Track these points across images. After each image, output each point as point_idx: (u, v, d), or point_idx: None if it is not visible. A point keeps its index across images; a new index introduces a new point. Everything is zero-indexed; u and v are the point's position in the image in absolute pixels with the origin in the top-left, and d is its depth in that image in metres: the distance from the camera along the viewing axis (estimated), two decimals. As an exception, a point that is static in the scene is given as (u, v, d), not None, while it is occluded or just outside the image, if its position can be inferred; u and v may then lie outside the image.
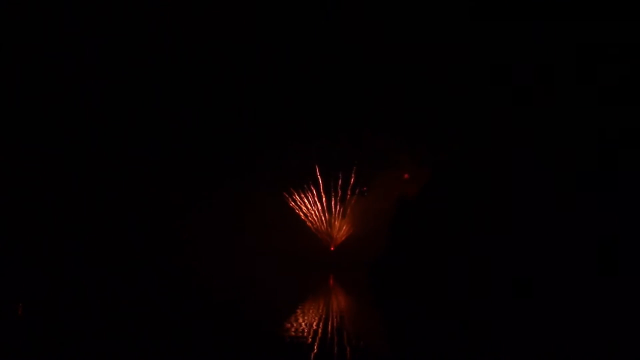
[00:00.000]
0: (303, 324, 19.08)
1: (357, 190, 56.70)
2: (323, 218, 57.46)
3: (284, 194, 57.27)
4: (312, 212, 57.43)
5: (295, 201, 57.38)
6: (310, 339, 15.50)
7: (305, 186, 57.04)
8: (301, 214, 57.65)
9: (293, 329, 17.40)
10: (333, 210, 57.15)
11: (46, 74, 44.73)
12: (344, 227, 57.35)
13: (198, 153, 52.37)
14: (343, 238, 57.31)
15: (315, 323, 19.35)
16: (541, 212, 36.60)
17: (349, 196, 56.78)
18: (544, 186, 36.98)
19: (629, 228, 33.18)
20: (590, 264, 33.27)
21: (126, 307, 24.04)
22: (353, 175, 56.54)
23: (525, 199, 37.45)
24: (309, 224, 57.62)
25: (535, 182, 37.58)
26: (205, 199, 52.86)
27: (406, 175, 52.89)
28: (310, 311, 24.31)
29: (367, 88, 51.06)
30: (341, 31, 48.21)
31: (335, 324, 19.36)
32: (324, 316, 21.98)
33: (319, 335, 16.42)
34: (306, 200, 57.28)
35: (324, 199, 56.94)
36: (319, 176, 56.81)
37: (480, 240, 37.05)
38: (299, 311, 23.39)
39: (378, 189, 54.61)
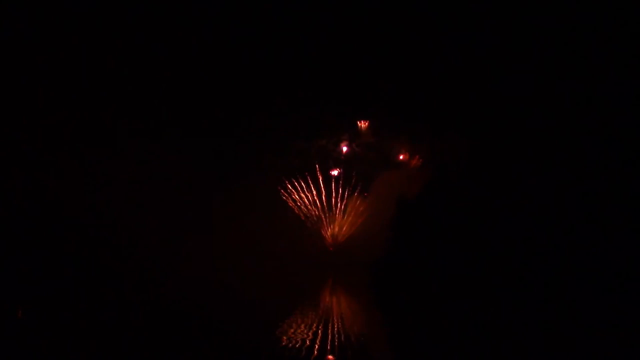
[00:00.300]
0: (302, 325, 19.05)
1: (357, 190, 56.63)
2: (323, 218, 57.44)
3: (283, 193, 57.21)
4: (312, 212, 57.40)
5: (294, 201, 57.32)
6: (309, 342, 15.46)
7: (304, 185, 56.99)
8: (301, 213, 57.59)
9: (292, 331, 17.37)
10: (333, 209, 57.10)
11: (44, 72, 44.58)
12: (344, 227, 57.27)
13: (197, 152, 52.15)
14: (343, 238, 57.22)
15: (314, 325, 19.32)
16: (541, 212, 36.49)
17: (348, 195, 56.70)
18: (545, 185, 36.90)
19: (628, 225, 33.07)
20: (591, 263, 33.16)
21: (125, 309, 24.05)
22: (354, 175, 56.46)
23: (526, 199, 37.36)
24: (308, 223, 57.55)
25: (535, 181, 37.50)
26: (204, 199, 52.66)
27: (417, 160, 53.03)
28: (310, 312, 24.29)
29: (369, 87, 50.93)
30: (342, 29, 48.12)
31: (335, 326, 19.33)
32: (324, 318, 21.95)
33: (319, 337, 16.38)
34: (306, 200, 57.22)
35: (324, 198, 56.91)
36: (319, 175, 56.73)
37: (481, 241, 36.95)
38: (297, 312, 23.37)
39: (379, 188, 54.52)
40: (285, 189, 57.07)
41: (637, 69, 34.71)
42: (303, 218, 57.68)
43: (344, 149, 56.59)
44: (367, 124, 55.90)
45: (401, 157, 55.39)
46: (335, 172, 55.66)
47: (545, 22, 39.35)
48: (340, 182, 56.37)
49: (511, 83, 41.28)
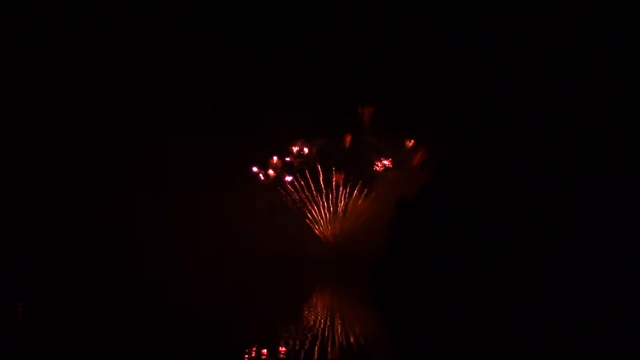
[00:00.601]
0: (301, 325, 19.07)
1: (357, 190, 56.60)
2: (323, 217, 57.41)
3: (283, 193, 57.17)
4: (313, 212, 57.37)
5: (295, 201, 57.27)
6: (308, 343, 15.47)
7: (305, 185, 56.95)
8: (300, 213, 57.53)
9: (292, 331, 17.38)
10: (332, 209, 57.08)
11: (44, 72, 44.54)
12: (345, 227, 57.23)
13: (197, 152, 52.11)
14: (343, 238, 57.18)
15: (314, 325, 19.35)
16: (541, 212, 36.49)
17: (347, 195, 56.69)
18: (544, 185, 36.89)
19: (627, 225, 33.08)
20: (591, 262, 33.17)
21: (124, 309, 24.06)
22: (354, 175, 56.42)
23: (526, 199, 37.36)
24: (308, 223, 57.51)
25: (535, 181, 37.50)
26: (204, 199, 52.62)
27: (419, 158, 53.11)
28: (310, 312, 24.30)
29: (370, 87, 50.95)
30: (343, 28, 48.15)
31: (335, 326, 19.36)
32: (323, 317, 21.96)
33: (319, 337, 16.39)
34: (306, 200, 57.19)
35: (324, 198, 56.88)
36: (320, 175, 56.68)
37: (481, 241, 36.96)
38: (297, 312, 23.38)
39: (379, 188, 54.55)
40: (286, 189, 57.05)
41: (636, 69, 34.70)
42: (303, 218, 57.66)
43: (345, 148, 56.57)
44: (371, 110, 55.35)
45: (402, 156, 55.44)
46: (338, 179, 55.59)
47: (545, 22, 39.34)
48: (341, 181, 56.33)
49: (511, 83, 41.28)
